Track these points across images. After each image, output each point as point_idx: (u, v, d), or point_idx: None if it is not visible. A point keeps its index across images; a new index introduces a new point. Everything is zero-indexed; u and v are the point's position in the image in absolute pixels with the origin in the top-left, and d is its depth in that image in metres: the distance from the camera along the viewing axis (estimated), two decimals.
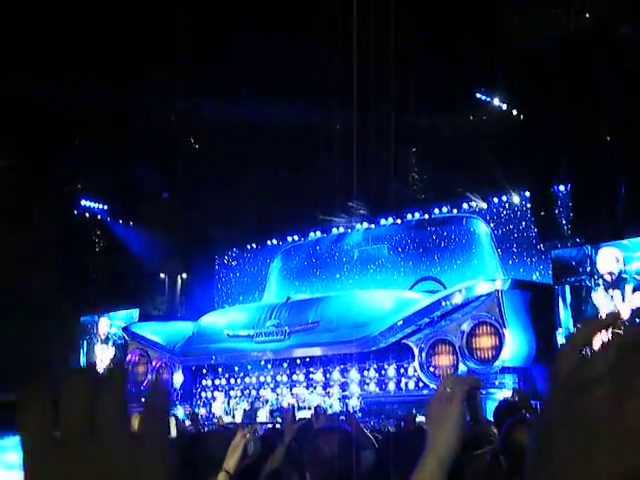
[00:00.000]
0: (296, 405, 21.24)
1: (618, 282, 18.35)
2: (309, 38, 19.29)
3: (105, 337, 28.31)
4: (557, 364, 0.71)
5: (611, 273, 18.46)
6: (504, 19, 18.64)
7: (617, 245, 18.41)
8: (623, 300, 18.25)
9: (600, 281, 18.67)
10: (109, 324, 28.19)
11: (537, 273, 21.99)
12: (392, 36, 18.35)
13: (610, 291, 18.38)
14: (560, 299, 18.95)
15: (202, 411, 23.59)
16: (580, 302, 18.81)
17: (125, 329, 26.25)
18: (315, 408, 4.78)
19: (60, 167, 25.56)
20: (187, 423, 15.44)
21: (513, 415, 4.56)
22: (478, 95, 21.48)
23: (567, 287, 19.01)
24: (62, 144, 25.08)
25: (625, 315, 0.96)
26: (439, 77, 18.99)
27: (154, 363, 24.96)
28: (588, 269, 18.78)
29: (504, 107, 21.61)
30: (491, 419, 6.77)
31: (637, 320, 0.70)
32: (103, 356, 28.37)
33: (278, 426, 11.90)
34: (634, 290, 18.08)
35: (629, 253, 18.25)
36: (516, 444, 3.75)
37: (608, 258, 18.63)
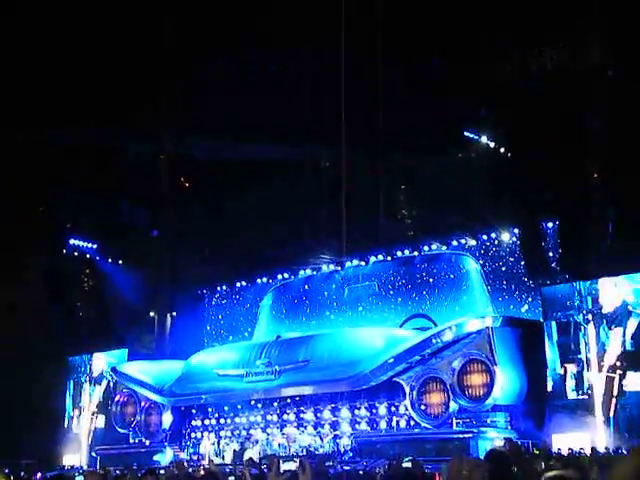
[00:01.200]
0: (287, 445, 21.03)
1: (622, 316, 18.06)
2: (296, 77, 19.50)
3: (99, 375, 27.99)
4: None
5: (614, 306, 18.12)
6: (493, 59, 18.89)
7: (625, 279, 18.16)
8: (624, 335, 17.93)
9: (590, 316, 18.47)
10: (105, 361, 27.92)
11: (526, 307, 21.91)
12: (382, 76, 18.61)
13: (612, 327, 18.13)
14: (548, 335, 18.90)
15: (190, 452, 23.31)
16: (568, 338, 18.71)
17: (113, 369, 25.98)
18: (300, 460, 4.72)
19: (49, 206, 25.55)
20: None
21: (503, 467, 4.50)
22: (466, 134, 21.68)
23: (553, 323, 18.91)
24: (51, 183, 25.08)
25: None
26: (428, 116, 19.17)
27: (143, 403, 24.68)
28: (576, 304, 18.70)
29: (492, 145, 21.80)
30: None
31: None
32: (93, 396, 28.03)
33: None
34: (637, 327, 17.67)
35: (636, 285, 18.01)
36: None
37: (612, 288, 18.33)
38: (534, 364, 18.59)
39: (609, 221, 19.14)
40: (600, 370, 18.11)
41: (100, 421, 27.59)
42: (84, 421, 27.99)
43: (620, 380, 17.73)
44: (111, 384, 27.34)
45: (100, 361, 28.21)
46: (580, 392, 18.30)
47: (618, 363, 17.92)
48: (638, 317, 17.85)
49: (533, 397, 18.52)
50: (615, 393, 17.76)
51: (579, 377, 18.38)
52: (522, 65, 18.30)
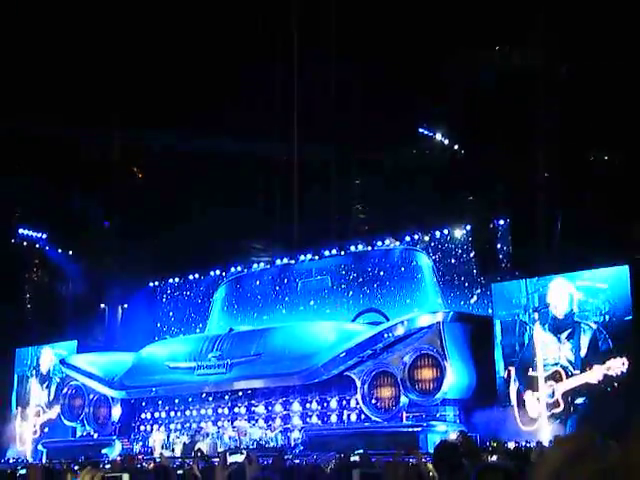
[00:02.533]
0: (238, 438, 21.00)
1: (573, 330, 17.74)
2: (252, 70, 19.41)
3: (47, 370, 27.39)
4: None
5: (564, 310, 17.84)
6: (449, 58, 19.05)
7: (570, 278, 18.08)
8: (576, 350, 17.51)
9: (536, 316, 18.46)
10: (53, 356, 27.32)
11: (475, 299, 21.94)
12: (336, 72, 18.64)
13: (561, 336, 17.85)
14: (497, 332, 19.01)
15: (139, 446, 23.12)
16: (513, 339, 18.73)
17: (62, 361, 25.58)
18: (247, 453, 4.74)
19: None
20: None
21: (453, 458, 4.57)
22: (421, 130, 21.83)
23: (497, 322, 18.95)
24: (0, 171, 24.55)
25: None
26: (383, 113, 19.27)
27: (91, 396, 24.39)
28: (523, 302, 18.77)
29: (446, 142, 22.00)
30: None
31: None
32: (39, 391, 27.43)
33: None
34: (590, 342, 17.35)
35: (586, 283, 17.75)
36: None
37: (560, 294, 18.11)
38: (484, 359, 18.84)
39: (559, 220, 19.44)
40: (545, 379, 17.90)
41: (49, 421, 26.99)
42: (29, 420, 27.28)
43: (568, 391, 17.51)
44: (58, 379, 26.85)
45: (49, 356, 27.58)
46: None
47: (564, 374, 17.68)
48: (591, 331, 17.56)
49: (482, 391, 18.78)
50: (560, 404, 17.53)
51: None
52: (476, 63, 18.51)
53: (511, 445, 16.04)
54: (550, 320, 18.26)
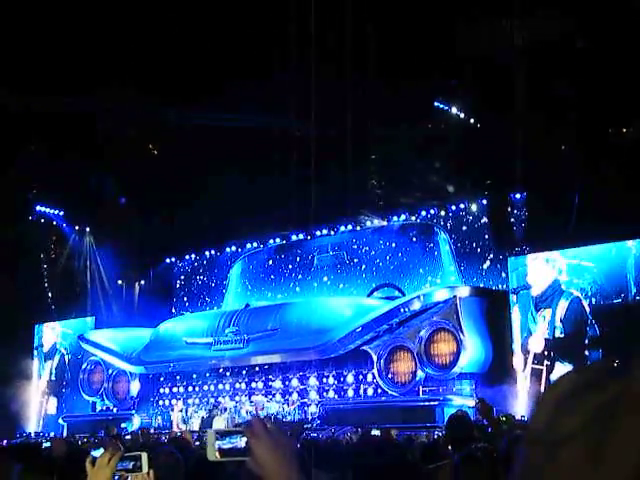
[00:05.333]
0: (255, 413, 21.19)
1: (552, 297, 17.68)
2: (268, 47, 19.30)
3: (51, 346, 27.61)
4: (530, 419, 0.71)
5: (545, 285, 17.72)
6: (464, 31, 18.82)
7: (561, 251, 17.97)
8: (553, 319, 17.48)
9: (514, 297, 18.28)
10: (58, 332, 27.54)
11: (488, 264, 21.88)
12: (351, 45, 18.47)
13: (540, 309, 17.71)
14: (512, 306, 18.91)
15: (159, 420, 23.39)
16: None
17: (81, 337, 25.86)
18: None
19: (15, 171, 25.09)
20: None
21: (465, 430, 4.58)
22: (437, 104, 21.65)
23: (512, 296, 18.88)
24: (17, 148, 24.63)
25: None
26: (399, 86, 19.11)
27: (110, 371, 24.67)
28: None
29: (462, 116, 21.81)
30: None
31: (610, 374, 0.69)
32: (45, 366, 27.67)
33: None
34: (568, 309, 17.22)
35: (577, 260, 17.74)
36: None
37: (543, 264, 17.95)
38: (500, 333, 18.84)
39: (576, 194, 19.26)
40: (525, 362, 17.76)
41: (51, 405, 27.19)
42: (39, 394, 27.47)
43: (547, 373, 17.24)
44: (66, 359, 27.08)
45: (52, 333, 27.75)
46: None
47: (545, 352, 17.38)
48: (570, 297, 17.45)
49: (498, 365, 18.80)
50: (542, 390, 17.17)
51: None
52: (492, 35, 18.28)
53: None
54: (531, 300, 18.13)
